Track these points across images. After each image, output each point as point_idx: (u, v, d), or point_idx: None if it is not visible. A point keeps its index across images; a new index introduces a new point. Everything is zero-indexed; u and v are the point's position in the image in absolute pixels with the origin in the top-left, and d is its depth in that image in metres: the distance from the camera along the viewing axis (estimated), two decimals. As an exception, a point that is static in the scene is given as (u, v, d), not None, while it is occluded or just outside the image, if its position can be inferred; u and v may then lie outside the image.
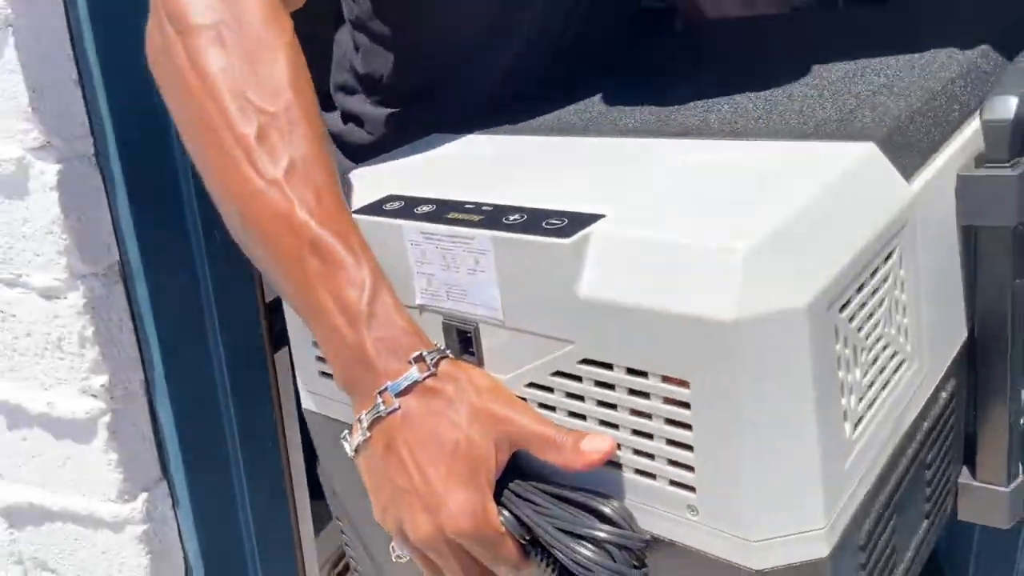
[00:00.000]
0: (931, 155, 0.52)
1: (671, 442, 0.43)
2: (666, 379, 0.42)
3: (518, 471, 0.47)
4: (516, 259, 0.46)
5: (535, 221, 0.45)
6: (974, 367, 0.57)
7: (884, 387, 0.47)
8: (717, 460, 0.41)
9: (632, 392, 0.43)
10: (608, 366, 0.44)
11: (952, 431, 0.56)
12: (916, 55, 0.64)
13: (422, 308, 0.52)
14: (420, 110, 0.73)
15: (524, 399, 0.48)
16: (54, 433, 0.92)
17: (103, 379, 0.87)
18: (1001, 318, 0.55)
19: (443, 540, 0.45)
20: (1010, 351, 0.55)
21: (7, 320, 0.90)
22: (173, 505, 0.95)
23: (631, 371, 0.43)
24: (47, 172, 0.81)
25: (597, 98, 0.69)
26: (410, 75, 0.73)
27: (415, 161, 0.63)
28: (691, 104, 0.61)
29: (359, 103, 0.78)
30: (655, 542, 0.45)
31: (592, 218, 0.44)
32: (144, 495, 0.92)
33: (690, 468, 0.42)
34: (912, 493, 0.51)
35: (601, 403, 0.45)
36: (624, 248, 0.43)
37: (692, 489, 0.43)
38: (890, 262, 0.46)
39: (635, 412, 0.44)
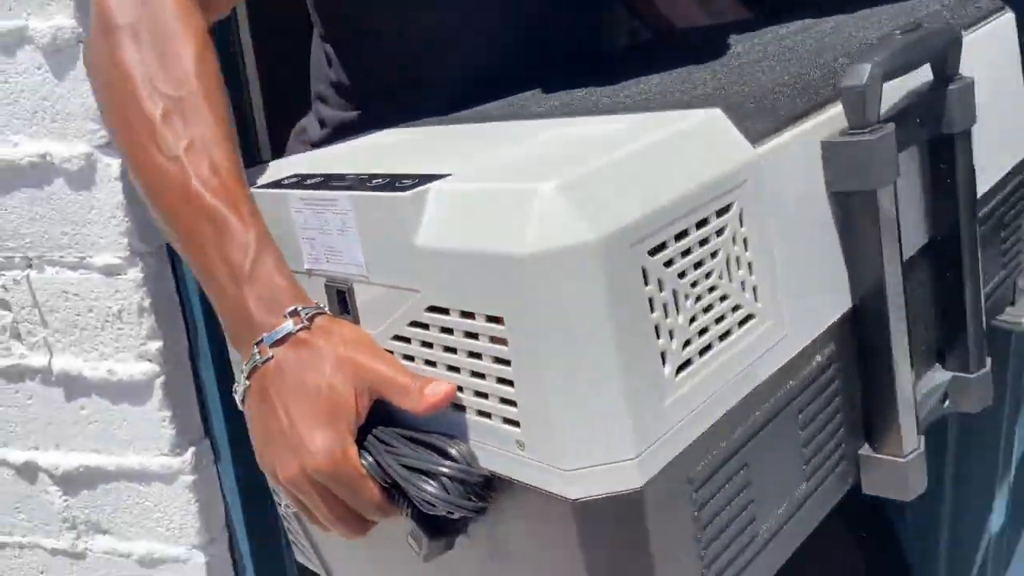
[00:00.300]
0: (793, 123, 0.53)
1: (499, 380, 0.45)
2: (488, 318, 0.44)
3: (387, 420, 0.50)
4: (370, 216, 0.49)
5: (391, 183, 0.49)
6: (857, 337, 0.57)
7: (723, 338, 0.47)
8: (533, 393, 0.43)
9: (467, 335, 0.46)
10: (447, 311, 0.46)
11: (838, 398, 0.56)
12: (828, 37, 0.67)
13: (309, 272, 0.55)
14: (384, 113, 0.76)
15: (391, 351, 0.51)
16: (112, 398, 1.05)
17: (158, 344, 1.00)
18: (876, 287, 0.55)
19: (307, 480, 0.48)
20: (890, 323, 0.55)
21: (70, 299, 1.04)
22: (215, 460, 1.08)
23: (464, 314, 0.45)
24: (112, 165, 0.96)
25: (531, 91, 0.73)
26: (371, 81, 0.79)
27: (337, 148, 0.69)
28: (602, 90, 0.64)
29: (332, 111, 0.83)
30: (496, 479, 0.47)
31: (437, 177, 0.48)
32: (192, 448, 1.05)
33: (513, 404, 0.44)
34: (780, 451, 0.52)
35: (446, 348, 0.47)
36: (452, 198, 0.46)
37: (517, 424, 0.45)
38: (725, 217, 0.47)
39: (472, 354, 0.46)
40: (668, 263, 0.44)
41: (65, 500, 1.12)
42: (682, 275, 0.45)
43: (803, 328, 0.53)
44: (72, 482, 1.11)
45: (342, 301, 0.53)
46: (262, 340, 0.49)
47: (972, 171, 0.63)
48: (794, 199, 0.52)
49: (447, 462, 0.47)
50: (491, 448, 0.47)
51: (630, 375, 0.42)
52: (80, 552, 1.15)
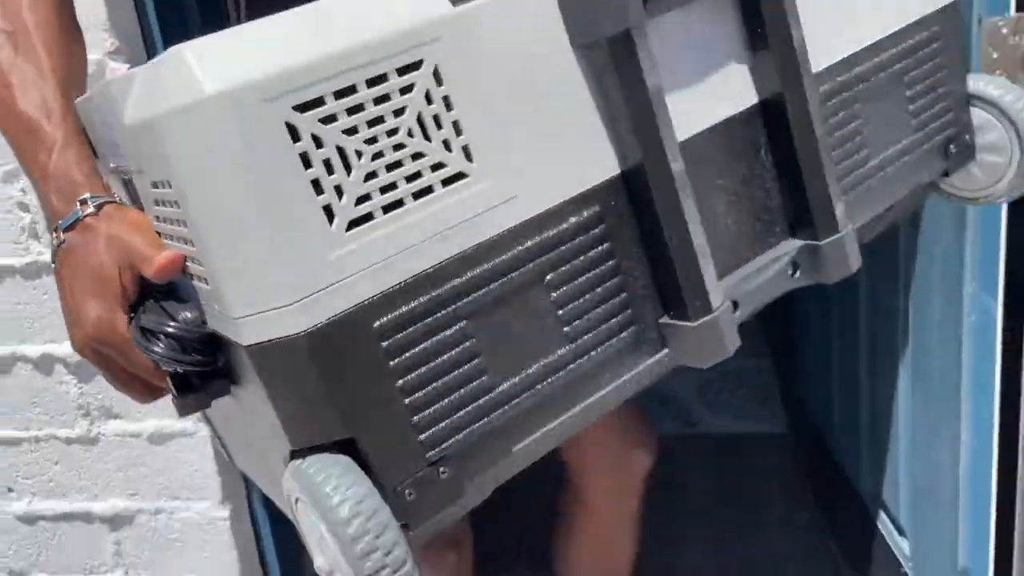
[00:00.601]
0: None
1: (188, 242, 0.48)
2: (163, 184, 0.47)
3: (169, 293, 0.54)
4: (115, 107, 0.50)
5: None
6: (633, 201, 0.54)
7: (420, 195, 0.47)
8: (204, 250, 0.45)
9: (168, 204, 0.49)
10: (158, 185, 0.49)
11: (611, 263, 0.54)
12: None
13: (114, 170, 0.59)
14: None
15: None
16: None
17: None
18: (647, 147, 0.52)
19: (88, 348, 0.55)
20: (671, 183, 0.52)
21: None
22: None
23: (155, 184, 0.49)
24: (119, 69, 1.08)
25: None
26: None
27: None
28: None
29: None
30: (218, 337, 0.50)
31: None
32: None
33: (200, 262, 0.47)
34: (521, 312, 0.51)
35: (164, 220, 0.51)
36: (144, 77, 0.47)
37: (206, 281, 0.47)
38: (414, 74, 0.46)
39: (178, 222, 0.49)
40: (327, 119, 0.44)
41: (79, 388, 1.24)
42: (351, 132, 0.44)
43: (546, 190, 0.51)
44: (86, 369, 1.22)
45: (131, 190, 0.57)
46: (58, 227, 0.56)
47: (785, 14, 0.57)
48: (528, 58, 0.50)
49: (171, 323, 0.50)
50: (208, 307, 0.50)
51: (281, 229, 0.43)
52: (93, 437, 1.26)
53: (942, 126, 0.70)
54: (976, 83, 0.72)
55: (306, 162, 0.43)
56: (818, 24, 0.60)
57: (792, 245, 0.61)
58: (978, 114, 0.72)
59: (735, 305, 0.57)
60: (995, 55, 0.87)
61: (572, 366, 0.53)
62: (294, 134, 0.43)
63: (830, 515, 1.71)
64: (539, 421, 0.53)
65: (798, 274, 0.62)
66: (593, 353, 0.54)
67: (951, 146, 0.71)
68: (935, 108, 0.70)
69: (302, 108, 0.43)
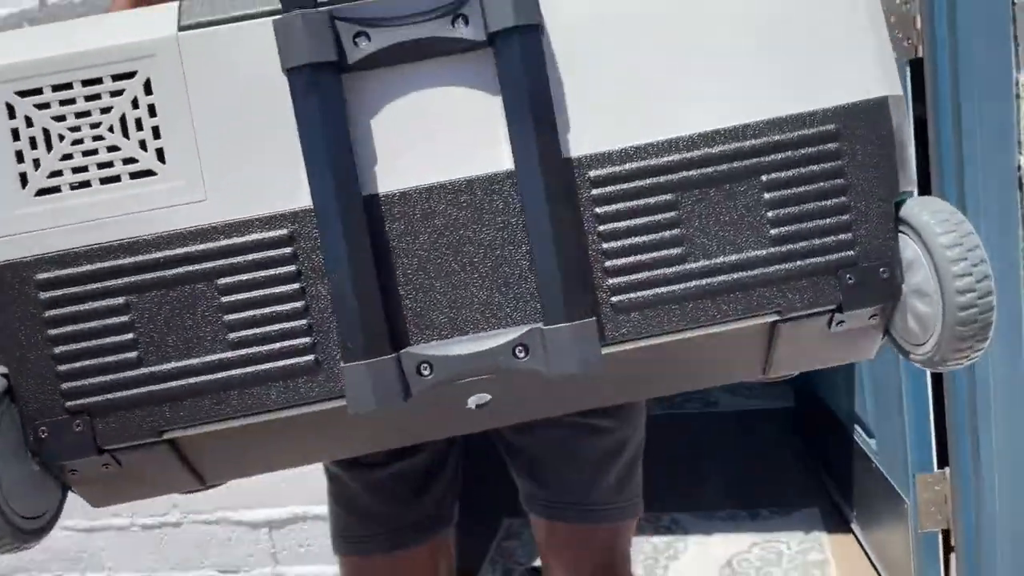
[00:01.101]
0: (241, 19, 0.54)
1: None
2: None
3: None
4: None
5: None
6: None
7: (108, 181, 0.54)
8: None
9: None
10: None
11: (292, 286, 0.54)
12: None
13: None
14: None
15: None
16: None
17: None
18: (315, 183, 0.52)
19: None
20: (321, 222, 0.52)
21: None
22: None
23: None
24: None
25: None
26: None
27: None
28: None
29: None
30: None
31: None
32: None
33: None
34: (183, 312, 0.54)
35: None
36: None
37: None
38: (126, 82, 0.53)
39: None
40: (42, 106, 0.53)
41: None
42: (59, 119, 0.53)
43: (236, 203, 0.54)
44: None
45: None
46: None
47: (534, 88, 0.53)
48: (245, 83, 0.54)
49: None
50: None
51: None
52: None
53: (825, 248, 0.57)
54: (911, 206, 0.58)
55: (15, 136, 0.54)
56: (619, 101, 0.55)
57: (519, 330, 0.55)
58: (908, 244, 0.58)
59: (430, 367, 0.54)
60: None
61: (233, 372, 0.54)
62: (11, 112, 0.54)
63: (820, 446, 2.22)
64: (196, 415, 0.54)
65: (526, 356, 0.55)
66: (259, 367, 0.54)
67: (847, 275, 0.58)
68: (814, 224, 0.57)
69: (22, 94, 0.54)
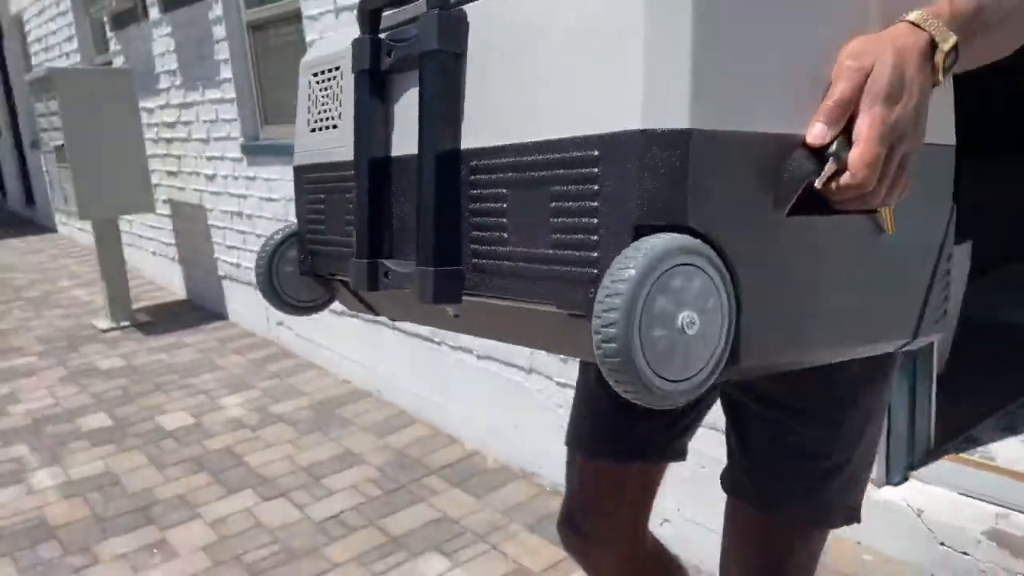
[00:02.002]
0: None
1: None
2: None
3: None
4: None
5: None
6: None
7: (326, 130, 0.94)
8: None
9: None
10: None
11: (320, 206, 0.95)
12: None
13: None
14: None
15: None
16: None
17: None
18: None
19: None
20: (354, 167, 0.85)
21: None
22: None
23: None
24: None
25: None
26: None
27: None
28: None
29: None
30: None
31: None
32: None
33: None
34: None
35: None
36: None
37: None
38: (335, 74, 0.90)
39: None
40: (319, 83, 0.93)
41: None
42: (321, 91, 0.93)
43: (346, 151, 0.89)
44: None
45: None
46: None
47: (437, 94, 0.72)
48: (351, 79, 0.85)
49: None
50: None
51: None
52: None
53: (579, 260, 0.62)
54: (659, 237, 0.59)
55: (308, 99, 0.99)
56: (483, 110, 0.71)
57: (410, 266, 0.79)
58: None
59: (386, 274, 0.82)
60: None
61: (337, 247, 0.95)
62: (309, 87, 0.99)
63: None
64: (330, 267, 0.97)
65: (388, 278, 0.82)
66: (337, 248, 0.96)
67: (591, 290, 0.61)
68: (575, 237, 0.62)
69: (314, 75, 0.98)
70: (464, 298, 0.73)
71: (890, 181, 0.65)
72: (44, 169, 5.18)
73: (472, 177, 0.71)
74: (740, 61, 0.61)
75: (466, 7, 0.73)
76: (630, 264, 0.55)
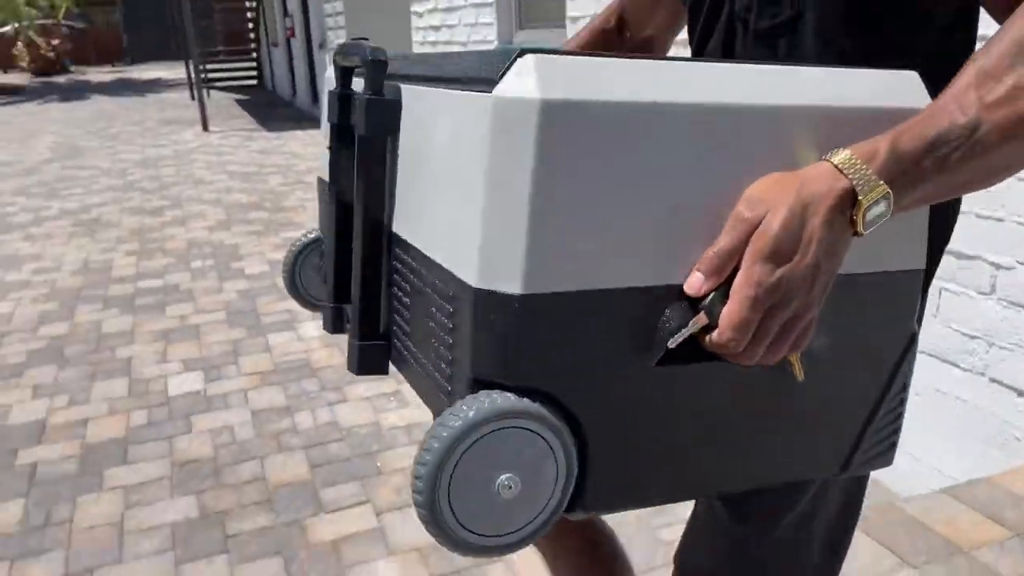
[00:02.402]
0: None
1: None
2: None
3: None
4: None
5: None
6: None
7: None
8: None
9: None
10: None
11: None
12: None
13: None
14: None
15: None
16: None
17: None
18: None
19: None
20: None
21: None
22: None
23: None
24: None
25: None
26: None
27: None
28: None
29: None
30: None
31: None
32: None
33: None
34: None
35: None
36: None
37: None
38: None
39: None
40: None
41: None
42: None
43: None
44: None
45: None
46: None
47: (367, 175, 0.72)
48: None
49: None
50: None
51: None
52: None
53: (443, 388, 0.63)
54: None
55: None
56: (407, 199, 0.71)
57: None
58: None
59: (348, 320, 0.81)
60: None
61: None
62: None
63: None
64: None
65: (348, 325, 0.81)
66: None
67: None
68: (440, 363, 0.63)
69: None
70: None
71: (769, 342, 0.58)
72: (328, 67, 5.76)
73: (394, 262, 0.72)
74: (590, 220, 0.56)
75: (404, 88, 0.70)
76: (448, 423, 0.54)
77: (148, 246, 4.90)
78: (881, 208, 0.57)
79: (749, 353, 0.58)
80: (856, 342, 0.68)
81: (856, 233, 0.58)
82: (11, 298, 4.02)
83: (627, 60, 0.57)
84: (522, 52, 0.55)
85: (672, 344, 0.58)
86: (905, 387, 0.72)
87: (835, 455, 0.71)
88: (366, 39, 0.72)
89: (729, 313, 0.56)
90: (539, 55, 0.55)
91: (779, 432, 0.68)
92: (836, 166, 0.57)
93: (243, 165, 7.46)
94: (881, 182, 0.57)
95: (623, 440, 0.61)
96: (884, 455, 0.74)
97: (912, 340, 0.71)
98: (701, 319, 0.58)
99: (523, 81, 0.54)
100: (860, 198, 0.56)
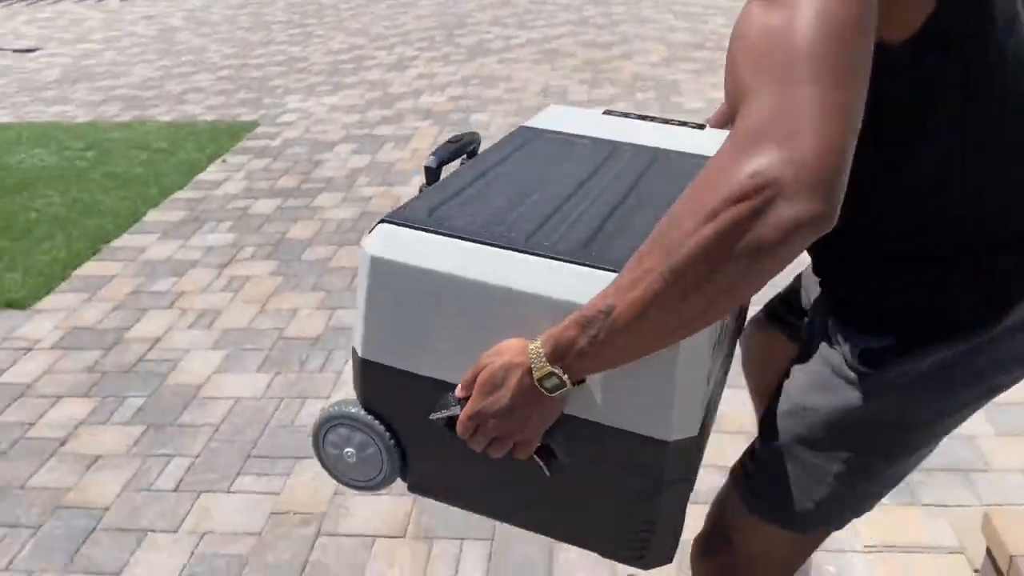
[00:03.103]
0: None
1: None
2: None
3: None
4: None
5: None
6: None
7: None
8: None
9: None
10: None
11: None
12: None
13: None
14: None
15: None
16: None
17: None
18: None
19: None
20: None
21: None
22: None
23: None
24: None
25: None
26: None
27: None
28: None
29: None
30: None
31: None
32: None
33: None
34: None
35: None
36: None
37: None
38: None
39: None
40: None
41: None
42: None
43: None
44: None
45: None
46: None
47: None
48: None
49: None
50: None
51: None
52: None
53: None
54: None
55: None
56: None
57: None
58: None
59: None
60: None
61: None
62: None
63: None
64: None
65: None
66: None
67: None
68: None
69: None
70: None
71: (486, 443, 0.83)
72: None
73: None
74: (402, 328, 0.90)
75: None
76: (329, 408, 1.01)
77: (598, 76, 5.38)
78: (555, 380, 0.76)
79: (474, 445, 0.84)
80: (602, 472, 0.88)
81: (548, 393, 0.77)
82: (488, 110, 4.78)
83: (449, 239, 0.86)
84: (382, 220, 0.91)
85: (432, 417, 0.87)
86: (651, 523, 0.90)
87: (599, 540, 0.95)
88: None
89: (460, 416, 0.83)
90: (388, 225, 0.90)
91: (556, 506, 0.93)
92: (528, 346, 0.77)
93: (686, 6, 7.59)
94: (545, 363, 0.76)
95: (427, 454, 0.97)
96: (637, 559, 0.93)
97: (655, 497, 0.88)
98: (454, 411, 0.85)
99: (372, 241, 0.90)
100: (533, 372, 0.77)
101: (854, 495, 0.97)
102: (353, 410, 0.98)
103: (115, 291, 3.04)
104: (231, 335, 2.71)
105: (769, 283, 0.68)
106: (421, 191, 1.01)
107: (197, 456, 2.16)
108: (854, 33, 0.64)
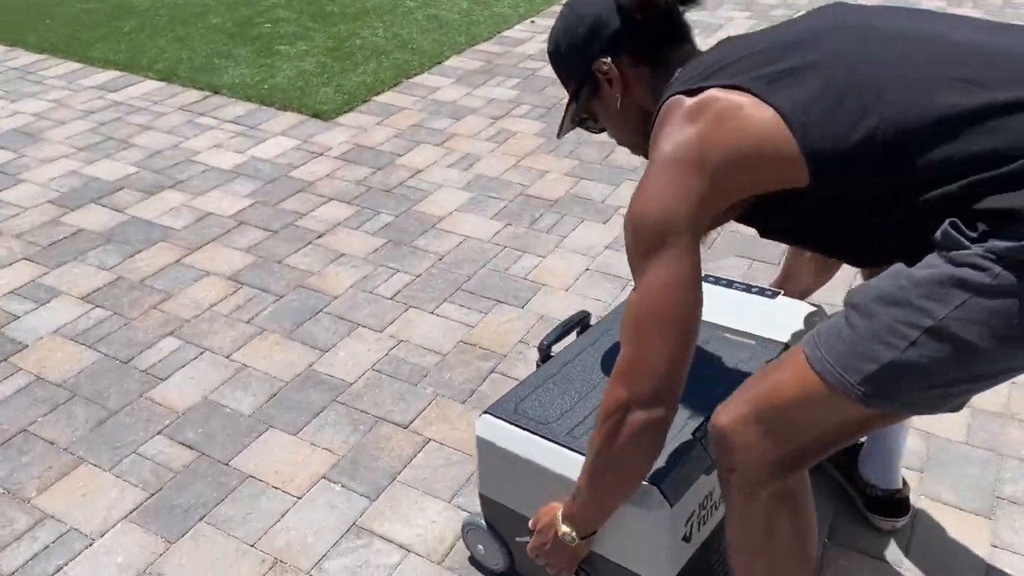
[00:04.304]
0: None
1: None
2: None
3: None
4: None
5: None
6: None
7: None
8: None
9: None
10: None
11: None
12: None
13: None
14: None
15: None
16: None
17: None
18: None
19: None
20: None
21: None
22: None
23: None
24: None
25: None
26: None
27: None
28: None
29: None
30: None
31: None
32: None
33: None
34: None
35: None
36: None
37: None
38: None
39: None
40: None
41: None
42: None
43: None
44: None
45: None
46: None
47: None
48: None
49: None
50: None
51: None
52: None
53: None
54: None
55: None
56: None
57: None
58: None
59: None
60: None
61: None
62: None
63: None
64: None
65: None
66: None
67: None
68: None
69: None
70: None
71: (543, 564, 1.32)
72: None
73: None
74: (505, 485, 1.40)
75: None
76: (464, 519, 1.60)
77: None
78: (568, 535, 1.23)
79: (540, 563, 1.32)
80: None
81: (568, 543, 1.24)
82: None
83: (523, 432, 1.32)
84: (484, 412, 1.38)
85: (516, 540, 1.41)
86: None
87: None
88: None
89: (527, 546, 1.33)
90: (488, 416, 1.37)
91: None
92: (559, 514, 1.25)
93: None
94: (561, 523, 1.24)
95: (521, 553, 1.42)
96: None
97: None
98: (525, 539, 1.34)
99: (480, 424, 1.37)
100: (558, 530, 1.24)
101: (918, 371, 0.91)
102: (481, 522, 1.49)
103: (401, 120, 3.36)
104: (481, 180, 2.91)
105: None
106: (537, 367, 1.48)
107: (418, 276, 2.40)
108: (678, 291, 1.02)
